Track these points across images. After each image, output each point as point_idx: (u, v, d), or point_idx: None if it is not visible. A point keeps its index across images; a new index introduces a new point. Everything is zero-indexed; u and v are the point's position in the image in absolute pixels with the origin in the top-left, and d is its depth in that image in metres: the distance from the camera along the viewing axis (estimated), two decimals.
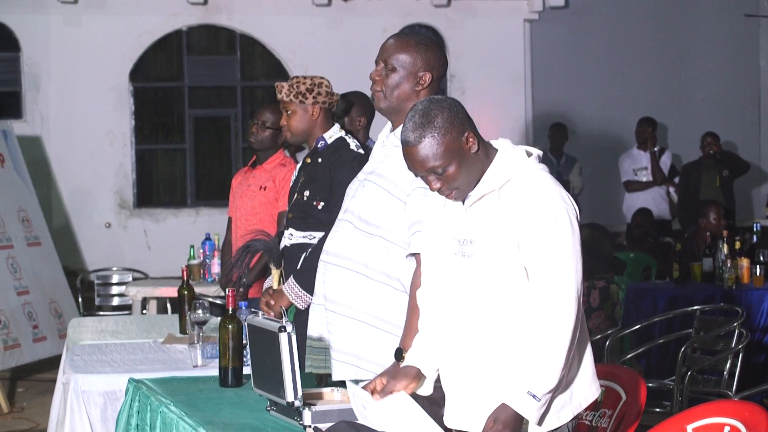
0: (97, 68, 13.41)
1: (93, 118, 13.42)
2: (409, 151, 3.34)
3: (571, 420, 3.42)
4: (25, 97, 13.36)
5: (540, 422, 3.32)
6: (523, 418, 3.29)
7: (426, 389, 3.63)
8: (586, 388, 3.45)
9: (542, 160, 3.47)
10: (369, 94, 4.07)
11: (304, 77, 5.20)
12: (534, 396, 3.25)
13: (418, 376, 3.58)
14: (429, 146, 3.30)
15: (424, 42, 3.99)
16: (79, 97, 13.38)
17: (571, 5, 14.33)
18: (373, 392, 3.48)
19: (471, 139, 3.33)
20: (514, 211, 3.31)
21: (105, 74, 13.47)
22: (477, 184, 3.37)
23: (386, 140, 4.07)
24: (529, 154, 3.41)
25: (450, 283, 3.46)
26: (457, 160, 3.32)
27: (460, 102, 3.41)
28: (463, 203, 3.41)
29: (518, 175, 3.35)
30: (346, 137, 5.15)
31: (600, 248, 8.50)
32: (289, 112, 5.17)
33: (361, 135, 6.10)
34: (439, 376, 3.58)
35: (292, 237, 5.09)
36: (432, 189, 3.39)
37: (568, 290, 3.28)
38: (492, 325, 3.37)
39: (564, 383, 3.36)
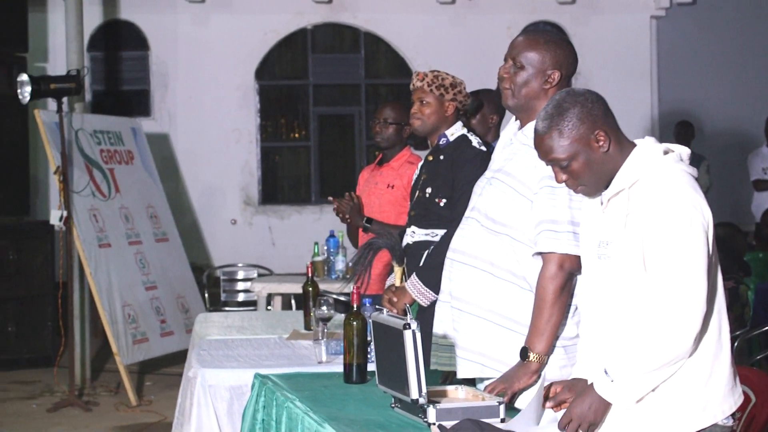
0: (223, 67, 13.59)
1: (219, 116, 13.61)
2: (537, 139, 3.36)
3: (707, 428, 3.28)
4: (154, 95, 13.60)
5: (623, 406, 3.20)
6: (607, 405, 3.21)
7: None
8: (723, 400, 3.29)
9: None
10: None
11: (446, 73, 5.19)
12: (606, 372, 3.17)
13: None
14: (554, 138, 3.30)
15: (554, 40, 3.96)
16: (205, 95, 13.58)
17: (698, 1, 14.11)
18: (546, 398, 3.44)
19: (602, 137, 3.29)
20: (640, 212, 3.22)
21: (231, 72, 13.65)
22: (608, 183, 3.32)
23: (514, 138, 4.05)
24: (666, 153, 3.32)
25: (593, 286, 3.42)
26: (582, 156, 3.29)
27: (602, 97, 3.36)
28: (601, 204, 3.37)
29: (648, 175, 3.26)
30: (469, 135, 5.14)
31: (733, 247, 8.35)
32: (424, 102, 5.16)
33: (493, 133, 6.03)
34: None
35: (415, 234, 5.09)
36: (558, 181, 3.37)
37: (688, 296, 3.12)
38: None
39: (693, 394, 3.24)
